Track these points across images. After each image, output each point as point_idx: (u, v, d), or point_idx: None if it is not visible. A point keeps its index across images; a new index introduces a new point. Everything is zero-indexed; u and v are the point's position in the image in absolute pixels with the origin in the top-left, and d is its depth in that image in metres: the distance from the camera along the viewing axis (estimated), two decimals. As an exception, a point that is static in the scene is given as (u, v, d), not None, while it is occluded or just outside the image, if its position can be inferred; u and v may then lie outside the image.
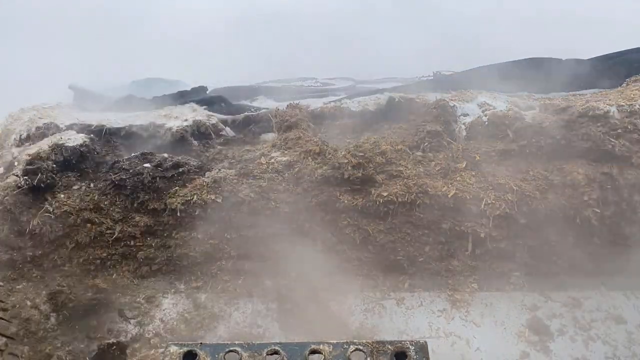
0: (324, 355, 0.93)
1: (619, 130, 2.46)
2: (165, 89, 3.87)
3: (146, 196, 2.48)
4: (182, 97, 3.54)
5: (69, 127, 2.86)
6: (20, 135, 2.94)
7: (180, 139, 2.84)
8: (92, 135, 2.84)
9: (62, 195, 2.51)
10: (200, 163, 2.66)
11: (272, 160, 2.55)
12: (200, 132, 2.94)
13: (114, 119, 3.02)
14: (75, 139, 2.74)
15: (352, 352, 0.95)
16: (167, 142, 2.82)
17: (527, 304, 2.33)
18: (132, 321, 2.31)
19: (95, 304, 2.35)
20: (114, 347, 2.23)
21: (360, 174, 2.46)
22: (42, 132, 2.75)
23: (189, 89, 3.85)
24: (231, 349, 0.93)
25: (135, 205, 2.50)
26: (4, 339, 2.13)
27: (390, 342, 0.97)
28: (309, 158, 2.54)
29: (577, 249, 2.43)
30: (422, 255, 2.46)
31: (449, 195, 2.39)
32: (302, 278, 2.47)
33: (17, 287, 2.43)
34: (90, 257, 2.48)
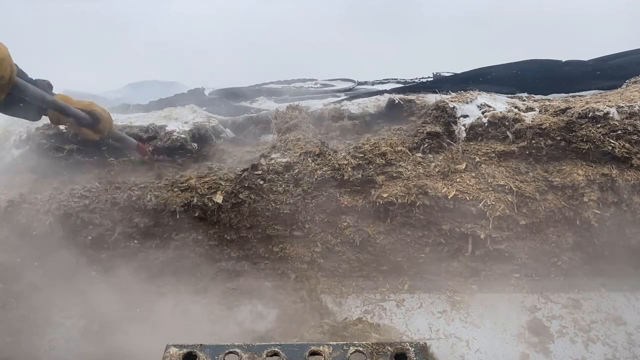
0: (324, 357, 0.93)
1: (619, 132, 2.46)
2: (162, 92, 3.88)
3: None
4: (179, 100, 3.53)
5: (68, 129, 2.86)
6: (20, 137, 2.94)
7: (180, 145, 2.83)
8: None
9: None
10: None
11: (272, 162, 2.55)
12: (200, 135, 2.93)
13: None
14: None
15: (352, 353, 0.94)
16: (168, 145, 2.80)
17: (527, 305, 2.33)
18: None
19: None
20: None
21: (360, 175, 2.46)
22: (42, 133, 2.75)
23: (185, 91, 3.85)
24: (231, 350, 0.92)
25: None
26: None
27: (390, 344, 0.96)
28: (309, 159, 2.54)
29: (577, 250, 2.43)
30: (422, 256, 2.46)
31: (449, 197, 2.39)
32: (301, 279, 2.47)
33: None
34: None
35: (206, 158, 2.85)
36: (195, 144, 2.88)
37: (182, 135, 2.85)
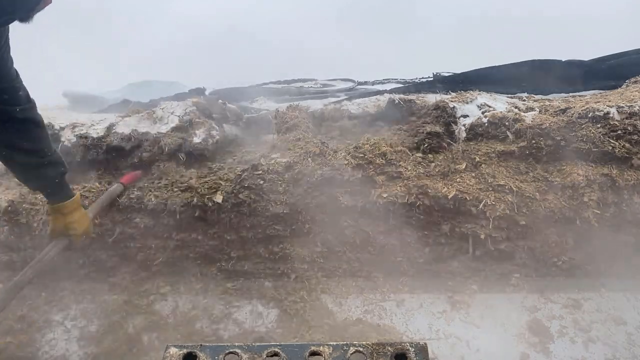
0: (324, 357, 0.93)
1: (619, 132, 2.46)
2: (162, 91, 3.88)
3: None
4: (180, 100, 3.52)
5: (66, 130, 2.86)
6: (20, 137, 2.92)
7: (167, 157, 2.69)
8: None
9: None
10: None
11: (272, 162, 2.55)
12: (190, 143, 2.72)
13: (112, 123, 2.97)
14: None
15: (352, 353, 0.94)
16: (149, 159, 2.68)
17: (527, 305, 2.33)
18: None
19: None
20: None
21: (360, 175, 2.46)
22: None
23: (186, 90, 3.85)
24: (231, 350, 0.92)
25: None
26: None
27: (390, 344, 0.96)
28: (309, 159, 2.54)
29: (577, 250, 2.43)
30: (422, 256, 2.46)
31: (449, 197, 2.39)
32: (301, 279, 2.47)
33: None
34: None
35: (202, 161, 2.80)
36: (183, 155, 2.67)
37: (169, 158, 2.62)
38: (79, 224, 2.01)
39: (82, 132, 2.70)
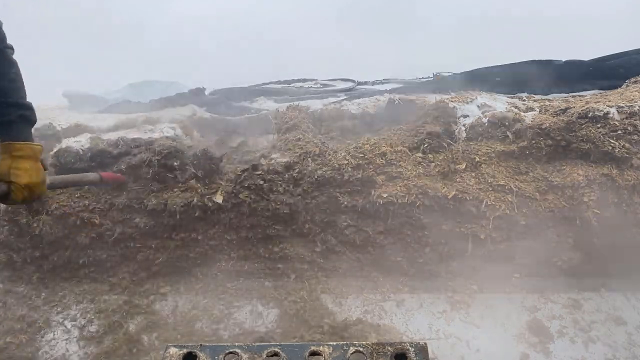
0: (324, 357, 0.93)
1: (619, 132, 2.46)
2: (162, 91, 3.87)
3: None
4: (180, 100, 3.52)
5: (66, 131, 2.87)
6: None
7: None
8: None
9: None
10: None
11: (272, 162, 2.55)
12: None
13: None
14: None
15: (352, 353, 0.94)
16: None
17: (526, 305, 2.33)
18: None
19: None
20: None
21: (360, 175, 2.46)
22: (41, 134, 2.74)
23: (186, 90, 3.85)
24: (231, 350, 0.92)
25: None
26: None
27: (390, 344, 0.96)
28: (309, 159, 2.54)
29: (577, 250, 2.43)
30: (422, 256, 2.46)
31: (449, 197, 2.39)
32: (301, 279, 2.47)
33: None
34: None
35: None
36: (201, 172, 2.53)
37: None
38: (27, 173, 1.63)
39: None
